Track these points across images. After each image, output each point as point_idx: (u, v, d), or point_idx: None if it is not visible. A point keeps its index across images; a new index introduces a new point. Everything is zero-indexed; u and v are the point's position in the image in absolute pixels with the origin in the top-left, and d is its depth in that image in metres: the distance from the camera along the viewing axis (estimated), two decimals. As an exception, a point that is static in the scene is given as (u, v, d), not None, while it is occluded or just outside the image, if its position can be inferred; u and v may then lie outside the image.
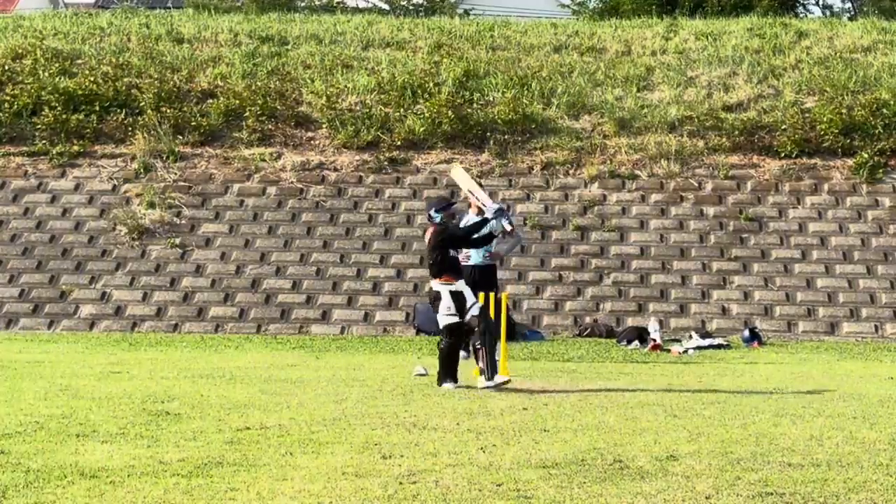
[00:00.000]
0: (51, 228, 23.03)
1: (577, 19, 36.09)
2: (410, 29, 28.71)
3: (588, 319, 21.10)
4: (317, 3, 39.12)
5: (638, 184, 23.90)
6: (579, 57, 27.24)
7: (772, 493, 7.17)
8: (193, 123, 24.91)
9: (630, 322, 20.61)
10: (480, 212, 14.45)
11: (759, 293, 21.67)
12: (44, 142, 24.63)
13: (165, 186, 23.81)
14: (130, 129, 24.74)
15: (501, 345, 14.18)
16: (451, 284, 12.64)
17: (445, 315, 12.61)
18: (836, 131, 24.27)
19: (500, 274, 18.52)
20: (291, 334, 20.66)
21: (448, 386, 12.51)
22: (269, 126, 25.13)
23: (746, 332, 19.82)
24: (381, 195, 23.73)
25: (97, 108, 25.07)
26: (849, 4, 43.70)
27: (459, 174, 14.60)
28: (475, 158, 24.34)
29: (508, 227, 14.04)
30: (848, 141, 24.30)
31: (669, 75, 26.40)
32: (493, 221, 13.42)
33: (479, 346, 12.52)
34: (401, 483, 7.38)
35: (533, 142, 24.73)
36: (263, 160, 24.37)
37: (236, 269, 22.18)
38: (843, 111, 24.50)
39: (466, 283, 13.58)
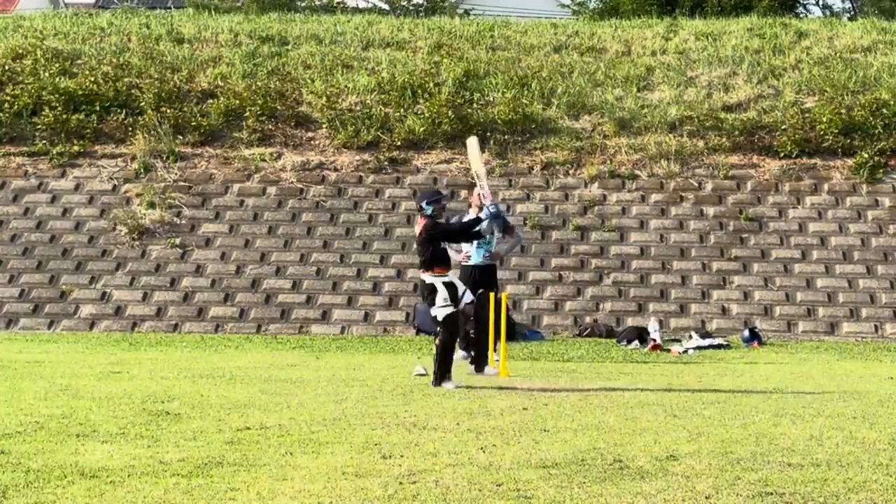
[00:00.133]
0: (51, 228, 23.03)
1: (577, 19, 36.09)
2: (410, 29, 28.72)
3: (588, 319, 21.10)
4: (317, 3, 39.10)
5: (638, 184, 23.90)
6: (579, 57, 27.25)
7: (772, 493, 7.18)
8: (193, 123, 24.91)
9: (630, 322, 20.62)
10: (480, 209, 14.47)
11: (759, 293, 21.67)
12: (44, 142, 24.63)
13: (165, 186, 23.82)
14: (130, 129, 24.75)
15: (501, 345, 14.20)
16: (444, 276, 12.78)
17: (442, 306, 12.66)
18: (836, 131, 24.27)
19: (500, 274, 18.50)
20: (291, 334, 20.66)
21: (448, 386, 12.52)
22: (270, 126, 25.13)
23: (746, 332, 19.82)
24: (381, 195, 23.73)
25: (97, 108, 25.08)
26: (849, 4, 43.70)
27: (474, 149, 14.46)
28: (475, 158, 24.32)
29: (499, 234, 14.06)
30: (848, 141, 24.31)
31: (669, 75, 26.40)
32: (486, 223, 13.46)
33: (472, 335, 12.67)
34: (401, 483, 7.38)
35: (533, 142, 24.73)
36: (263, 160, 24.37)
37: (236, 269, 22.19)
38: (843, 111, 24.50)
39: (466, 284, 13.62)
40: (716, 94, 25.84)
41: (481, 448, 8.60)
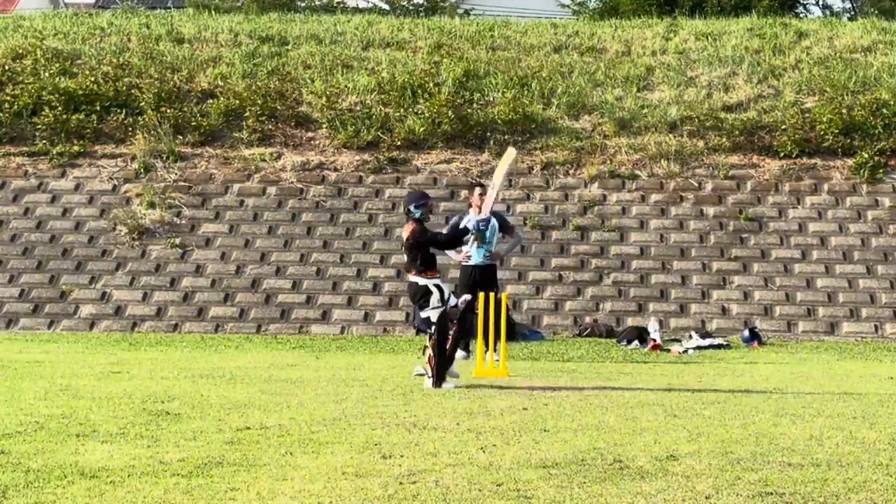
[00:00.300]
0: (51, 228, 23.03)
1: (577, 19, 36.08)
2: (410, 29, 28.71)
3: (588, 319, 21.10)
4: (317, 3, 39.11)
5: (638, 184, 23.90)
6: (579, 57, 27.24)
7: (772, 493, 7.18)
8: (193, 123, 24.91)
9: (630, 322, 20.61)
10: (480, 211, 14.51)
11: (759, 293, 21.67)
12: (44, 142, 24.62)
13: (165, 186, 23.81)
14: (130, 129, 24.74)
15: (502, 345, 14.20)
16: (436, 278, 12.87)
17: (435, 308, 12.71)
18: (836, 131, 24.27)
19: (500, 274, 18.52)
20: (291, 334, 20.66)
21: (449, 385, 12.53)
22: (269, 126, 25.13)
23: (746, 332, 19.82)
24: (381, 195, 23.73)
25: (97, 108, 25.06)
26: (849, 4, 43.70)
27: (507, 161, 14.52)
28: (475, 158, 24.34)
29: (473, 232, 14.46)
30: (848, 141, 24.30)
31: (669, 75, 26.40)
32: (472, 232, 13.81)
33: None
34: (401, 483, 7.38)
35: (533, 142, 24.73)
36: (263, 160, 24.37)
37: (236, 269, 22.19)
38: (843, 111, 24.49)
39: (467, 284, 13.64)
40: (716, 94, 25.84)
41: (481, 448, 8.60)
